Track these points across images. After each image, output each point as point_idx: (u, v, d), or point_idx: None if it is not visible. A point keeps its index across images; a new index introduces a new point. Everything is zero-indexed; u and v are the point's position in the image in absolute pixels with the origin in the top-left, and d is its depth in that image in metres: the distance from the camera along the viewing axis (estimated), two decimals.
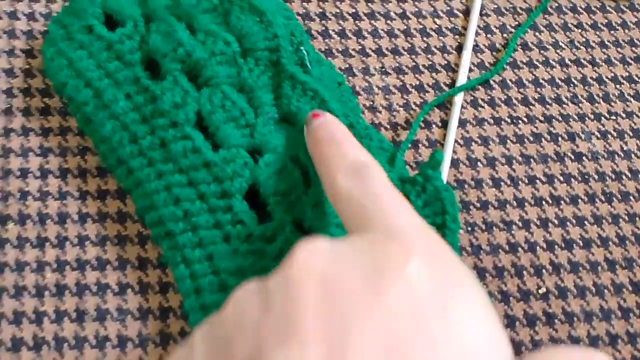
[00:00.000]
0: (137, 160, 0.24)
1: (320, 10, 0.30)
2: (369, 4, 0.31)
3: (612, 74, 0.31)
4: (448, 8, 0.31)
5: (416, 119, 0.28)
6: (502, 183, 0.28)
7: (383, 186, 0.19)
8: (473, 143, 0.28)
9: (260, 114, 0.25)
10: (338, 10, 0.30)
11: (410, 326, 0.14)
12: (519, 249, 0.27)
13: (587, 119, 0.30)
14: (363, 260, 0.15)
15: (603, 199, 0.28)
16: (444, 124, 0.29)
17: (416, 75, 0.30)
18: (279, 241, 0.23)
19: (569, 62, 0.31)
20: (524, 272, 0.26)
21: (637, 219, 0.28)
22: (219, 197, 0.23)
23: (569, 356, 0.16)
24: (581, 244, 0.27)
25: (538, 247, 0.27)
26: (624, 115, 0.30)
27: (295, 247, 0.16)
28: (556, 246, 0.27)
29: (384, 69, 0.30)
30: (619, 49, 0.32)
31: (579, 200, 0.28)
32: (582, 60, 0.31)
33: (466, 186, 0.28)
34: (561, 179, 0.28)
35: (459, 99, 0.29)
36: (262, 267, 0.23)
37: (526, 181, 0.28)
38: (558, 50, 0.31)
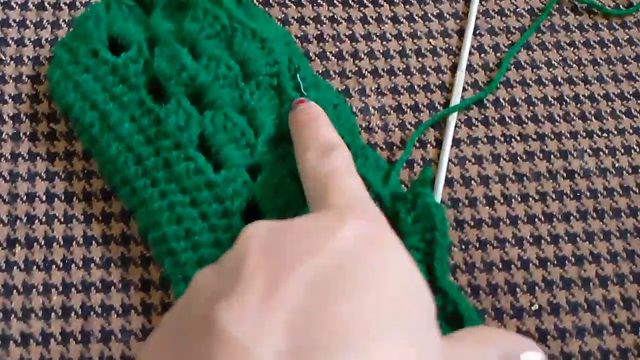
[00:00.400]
0: (141, 181, 0.24)
1: (318, 32, 0.30)
2: (365, 25, 0.31)
3: (604, 91, 0.31)
4: (442, 29, 0.31)
5: (410, 139, 0.28)
6: (495, 201, 0.28)
7: (343, 166, 0.21)
8: (467, 162, 0.28)
9: (261, 132, 0.25)
10: (335, 32, 0.30)
11: (336, 274, 0.15)
12: (512, 266, 0.27)
13: (579, 136, 0.30)
14: (302, 228, 0.17)
15: (595, 215, 0.28)
16: (439, 143, 0.29)
17: (411, 96, 0.30)
18: None
19: (562, 80, 0.31)
20: (517, 289, 0.26)
21: (629, 235, 0.28)
22: (220, 217, 0.24)
23: (500, 337, 0.19)
24: (573, 260, 0.27)
25: (531, 264, 0.27)
26: (615, 132, 0.30)
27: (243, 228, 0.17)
28: (549, 263, 0.27)
29: (379, 90, 0.30)
30: (611, 66, 0.31)
31: (571, 217, 0.28)
32: (574, 78, 0.31)
33: (460, 205, 0.27)
34: (553, 196, 0.28)
35: (452, 118, 0.29)
36: None
37: (519, 199, 0.28)
38: (551, 69, 0.31)
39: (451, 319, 0.22)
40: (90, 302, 0.24)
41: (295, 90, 0.26)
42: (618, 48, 0.32)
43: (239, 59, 0.26)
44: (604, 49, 0.32)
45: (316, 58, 0.30)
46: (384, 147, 0.28)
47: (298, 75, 0.26)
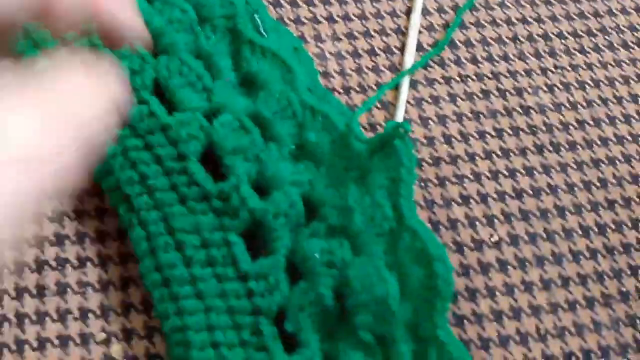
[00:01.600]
0: None
1: None
2: None
3: (558, 30, 0.30)
4: None
5: (370, 100, 0.26)
6: (453, 139, 0.27)
7: None
8: (424, 102, 0.27)
9: (219, 78, 0.24)
10: None
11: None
12: (471, 200, 0.26)
13: (534, 74, 0.29)
14: None
15: (551, 149, 0.27)
16: (396, 86, 0.28)
17: (367, 40, 0.28)
18: (235, 199, 0.22)
19: (515, 20, 0.30)
20: (477, 223, 0.25)
21: (585, 166, 0.27)
22: (175, 160, 0.22)
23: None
24: (531, 193, 0.26)
25: (489, 198, 0.26)
26: (569, 69, 0.29)
27: None
28: (507, 196, 0.26)
29: (335, 35, 0.28)
30: (563, 6, 0.31)
31: (528, 152, 0.27)
32: (528, 18, 0.30)
33: (418, 144, 0.27)
34: (510, 132, 0.27)
35: (409, 61, 0.28)
36: (220, 224, 0.22)
37: (476, 136, 0.27)
38: (504, 9, 0.30)
39: (420, 257, 0.21)
40: (45, 257, 0.23)
41: (254, 31, 0.25)
42: None
43: (193, 3, 0.25)
44: None
45: (269, 5, 0.28)
46: (341, 91, 0.27)
47: (257, 16, 0.25)
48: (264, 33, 0.25)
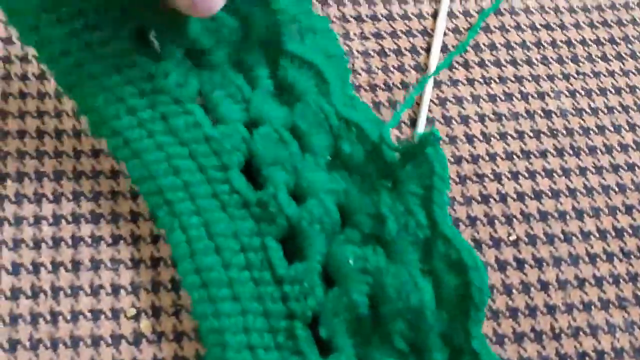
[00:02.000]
0: (135, 132, 0.23)
1: None
2: None
3: (581, 37, 0.31)
4: None
5: (400, 110, 0.26)
6: (475, 139, 0.28)
7: None
8: (448, 102, 0.28)
9: (256, 87, 0.24)
10: None
11: None
12: (491, 199, 0.26)
13: (556, 78, 0.29)
14: None
15: (571, 152, 0.28)
16: (420, 86, 0.28)
17: (394, 40, 0.29)
18: (272, 206, 0.22)
19: (539, 26, 0.31)
20: (496, 221, 0.26)
21: (604, 171, 0.28)
22: (217, 170, 0.23)
23: None
24: (550, 194, 0.27)
25: (509, 198, 0.27)
26: (591, 75, 0.30)
27: None
28: (526, 197, 0.27)
29: (363, 34, 0.29)
30: (587, 14, 0.31)
31: (548, 154, 0.28)
32: (552, 25, 0.31)
33: (441, 143, 0.27)
34: (531, 134, 0.28)
35: (434, 62, 0.29)
36: (258, 231, 0.22)
37: (498, 137, 0.28)
38: (529, 15, 0.31)
39: (454, 266, 0.21)
40: (80, 233, 0.24)
41: (292, 36, 0.25)
42: None
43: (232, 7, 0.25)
44: None
45: None
46: (367, 89, 0.28)
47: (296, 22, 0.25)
48: (301, 36, 0.25)
